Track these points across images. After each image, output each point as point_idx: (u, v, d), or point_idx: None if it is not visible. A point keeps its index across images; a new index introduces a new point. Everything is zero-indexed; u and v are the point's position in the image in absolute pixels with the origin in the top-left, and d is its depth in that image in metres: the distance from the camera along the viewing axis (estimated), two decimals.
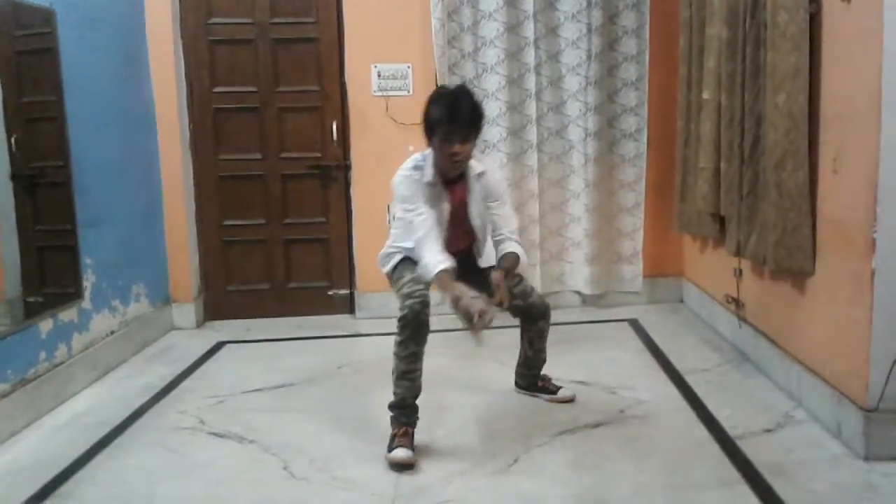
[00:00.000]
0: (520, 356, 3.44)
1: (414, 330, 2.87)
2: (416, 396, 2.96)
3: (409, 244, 3.01)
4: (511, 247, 3.13)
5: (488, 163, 3.29)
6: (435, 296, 2.92)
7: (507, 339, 3.40)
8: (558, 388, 3.40)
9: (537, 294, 3.32)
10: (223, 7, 4.72)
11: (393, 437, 2.89)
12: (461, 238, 3.15)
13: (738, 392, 3.39)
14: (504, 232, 3.15)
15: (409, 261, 3.05)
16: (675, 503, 2.49)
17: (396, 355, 2.92)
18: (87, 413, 3.46)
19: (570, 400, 3.35)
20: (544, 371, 3.45)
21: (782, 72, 3.01)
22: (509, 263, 3.08)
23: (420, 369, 2.93)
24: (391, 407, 2.96)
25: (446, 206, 3.04)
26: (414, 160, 3.04)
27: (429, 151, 3.01)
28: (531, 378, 3.44)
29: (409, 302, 2.87)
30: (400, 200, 3.00)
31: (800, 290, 3.17)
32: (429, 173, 2.98)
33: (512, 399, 3.43)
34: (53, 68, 3.64)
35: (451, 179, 3.05)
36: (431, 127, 2.92)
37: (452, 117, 2.85)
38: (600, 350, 4.06)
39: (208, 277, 4.95)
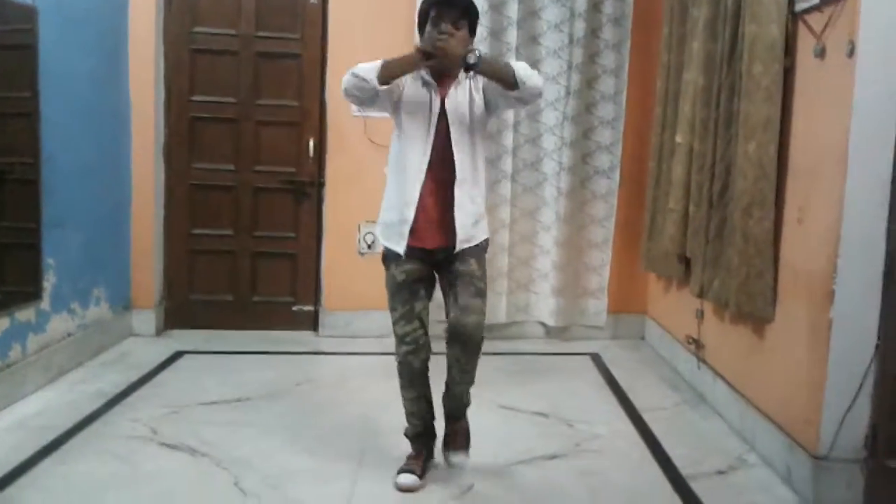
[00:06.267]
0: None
1: (409, 378, 2.80)
2: (428, 427, 2.93)
3: (386, 214, 2.77)
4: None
5: None
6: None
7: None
8: (455, 453, 2.85)
9: (475, 303, 2.67)
10: (208, 17, 4.71)
11: (406, 459, 2.88)
12: (443, 159, 2.71)
13: (694, 432, 3.42)
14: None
15: (401, 288, 2.75)
16: None
17: (401, 393, 2.86)
18: (37, 416, 3.38)
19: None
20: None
21: (754, 121, 3.09)
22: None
23: (425, 406, 2.87)
24: (405, 435, 2.94)
25: (436, 103, 2.71)
26: None
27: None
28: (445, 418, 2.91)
29: (402, 350, 2.76)
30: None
31: (759, 335, 3.22)
32: (422, 71, 2.73)
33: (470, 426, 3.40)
34: (31, 65, 3.60)
35: (444, 77, 2.74)
36: (425, 12, 2.72)
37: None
38: (561, 382, 4.07)
39: (172, 285, 4.89)
